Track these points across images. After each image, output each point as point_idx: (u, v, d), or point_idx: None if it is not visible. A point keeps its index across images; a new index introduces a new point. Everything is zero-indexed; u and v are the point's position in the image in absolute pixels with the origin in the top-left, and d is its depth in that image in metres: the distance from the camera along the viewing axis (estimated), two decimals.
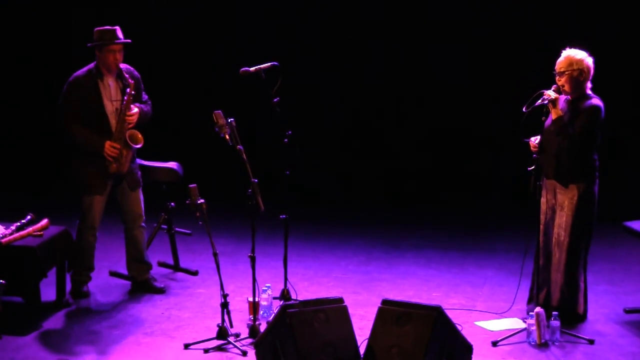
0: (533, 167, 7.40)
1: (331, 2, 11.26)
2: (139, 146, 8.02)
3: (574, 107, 7.48)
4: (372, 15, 11.20)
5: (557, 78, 7.49)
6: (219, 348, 7.18)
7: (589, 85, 7.52)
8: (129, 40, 8.01)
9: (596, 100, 7.47)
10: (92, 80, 7.97)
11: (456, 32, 11.00)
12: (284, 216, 7.89)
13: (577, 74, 7.44)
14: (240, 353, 7.09)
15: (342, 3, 11.25)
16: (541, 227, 7.63)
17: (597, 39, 10.15)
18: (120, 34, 7.98)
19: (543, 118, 7.43)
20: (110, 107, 8.02)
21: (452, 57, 11.05)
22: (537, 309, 7.28)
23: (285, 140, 7.82)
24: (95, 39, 7.97)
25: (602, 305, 8.06)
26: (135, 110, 7.99)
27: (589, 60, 7.48)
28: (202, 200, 7.35)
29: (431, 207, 11.05)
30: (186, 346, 7.21)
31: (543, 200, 7.63)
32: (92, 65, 8.04)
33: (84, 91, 7.96)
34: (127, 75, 7.98)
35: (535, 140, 7.60)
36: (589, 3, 10.54)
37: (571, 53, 7.50)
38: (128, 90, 7.95)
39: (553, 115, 7.41)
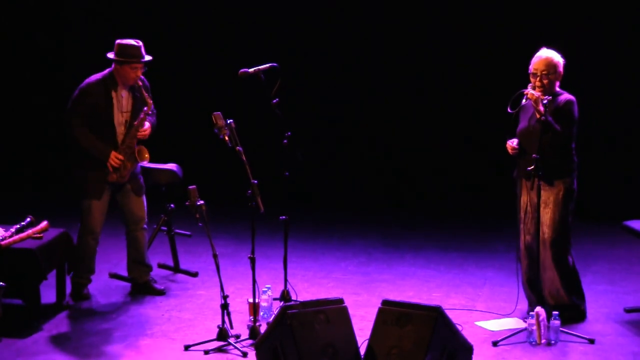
0: (532, 167, 7.40)
1: (330, 3, 11.26)
2: (144, 163, 8.05)
3: (548, 105, 7.48)
4: (372, 17, 11.20)
5: (537, 79, 7.51)
6: (220, 349, 7.18)
7: (557, 83, 7.61)
8: (152, 58, 7.97)
9: (569, 95, 7.57)
10: (105, 90, 7.92)
11: (455, 33, 11.00)
12: (284, 217, 7.89)
13: (557, 76, 7.55)
14: (241, 354, 7.09)
15: (341, 4, 11.25)
16: (522, 226, 7.66)
17: (604, 39, 10.26)
18: (144, 51, 7.91)
19: (543, 118, 7.39)
20: (119, 118, 8.00)
21: (452, 58, 11.05)
22: (538, 308, 7.28)
23: (285, 141, 7.82)
24: (116, 53, 7.88)
25: (602, 305, 8.05)
26: (147, 125, 8.00)
27: (562, 62, 7.59)
28: (201, 202, 7.35)
29: (431, 207, 11.05)
30: (186, 347, 7.21)
31: (524, 199, 7.62)
32: (106, 72, 7.97)
33: (94, 99, 7.91)
34: (146, 94, 7.93)
35: (513, 142, 7.62)
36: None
37: (550, 55, 7.57)
38: (145, 108, 7.93)
39: (537, 114, 7.42)
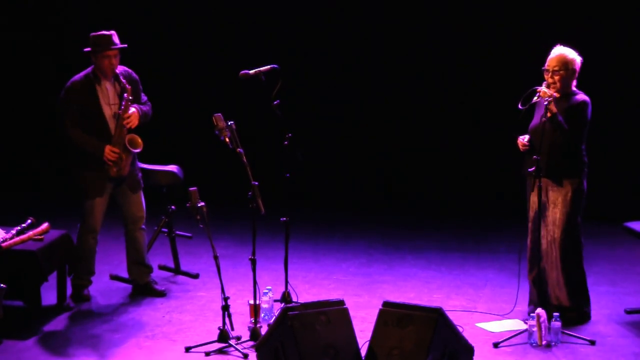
0: (534, 167, 7.39)
1: (330, 3, 11.26)
2: (137, 151, 8.02)
3: (561, 104, 7.49)
4: (372, 17, 11.20)
5: (549, 75, 7.51)
6: (220, 351, 7.18)
7: (574, 82, 7.57)
8: (125, 45, 8.00)
9: (584, 96, 7.56)
10: (89, 85, 7.96)
11: (455, 33, 11.00)
12: (285, 219, 7.89)
13: (570, 73, 7.51)
14: (242, 356, 7.09)
15: (341, 4, 11.25)
16: (530, 225, 7.66)
17: (609, 39, 10.26)
18: (116, 39, 7.95)
19: (548, 116, 7.38)
20: (108, 111, 8.01)
21: (452, 58, 11.05)
22: (538, 310, 7.28)
23: (286, 142, 7.82)
24: (90, 45, 7.95)
25: (603, 306, 8.05)
26: (132, 110, 7.98)
27: (579, 60, 7.57)
28: (202, 203, 7.35)
29: (432, 208, 11.05)
30: (187, 349, 7.21)
31: (535, 198, 7.62)
32: (89, 69, 8.02)
33: (81, 96, 7.94)
34: (124, 80, 7.96)
35: (523, 139, 7.62)
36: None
37: (564, 52, 7.55)
38: (125, 95, 7.94)
39: (549, 113, 7.41)
